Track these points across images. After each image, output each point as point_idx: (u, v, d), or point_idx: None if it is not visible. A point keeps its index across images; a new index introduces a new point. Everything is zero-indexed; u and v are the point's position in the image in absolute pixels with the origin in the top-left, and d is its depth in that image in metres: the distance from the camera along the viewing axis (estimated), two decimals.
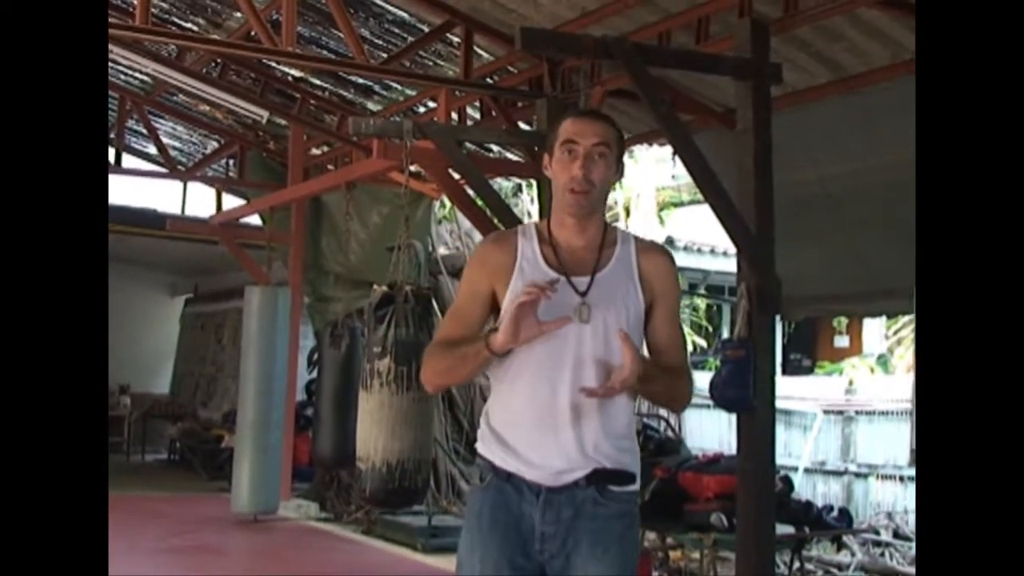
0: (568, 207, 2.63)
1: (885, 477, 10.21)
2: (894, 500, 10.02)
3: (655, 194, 15.07)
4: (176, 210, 12.42)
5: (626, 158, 2.74)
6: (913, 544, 9.27)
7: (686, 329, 14.27)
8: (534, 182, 8.85)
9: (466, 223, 11.29)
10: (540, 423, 2.56)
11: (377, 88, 9.47)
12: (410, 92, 9.18)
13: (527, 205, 12.96)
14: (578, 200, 2.60)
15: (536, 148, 7.35)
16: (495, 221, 6.90)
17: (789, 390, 10.82)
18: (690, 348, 14.38)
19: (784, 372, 14.01)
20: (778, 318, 6.87)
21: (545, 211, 7.05)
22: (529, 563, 2.58)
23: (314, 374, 10.17)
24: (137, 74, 10.63)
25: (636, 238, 2.75)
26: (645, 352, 2.66)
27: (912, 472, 9.69)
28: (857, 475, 10.49)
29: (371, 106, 9.74)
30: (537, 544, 2.56)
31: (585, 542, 2.55)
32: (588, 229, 2.65)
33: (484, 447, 2.66)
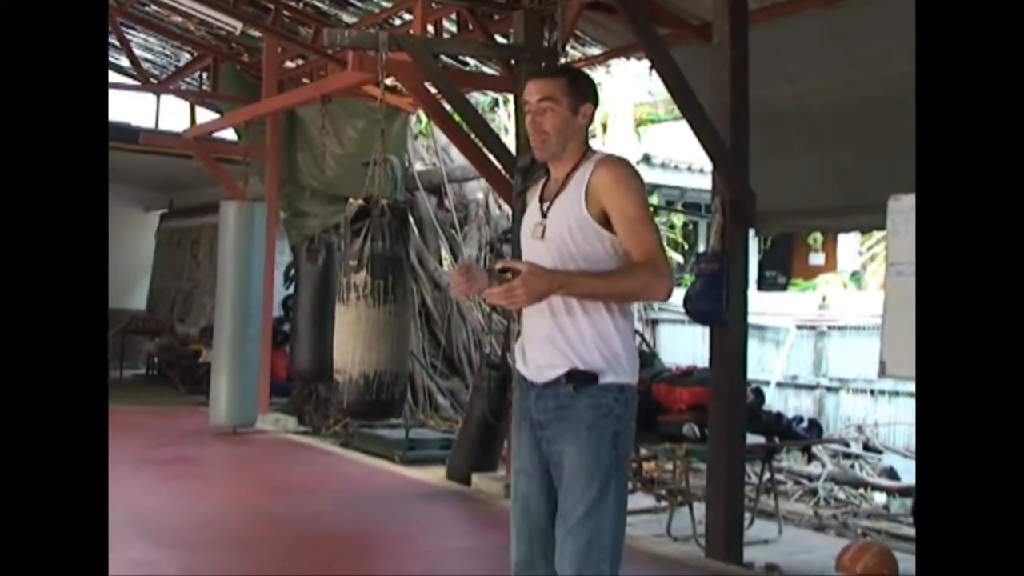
0: (535, 152, 3.10)
1: (856, 391, 10.38)
2: (864, 413, 10.20)
3: (632, 110, 15.02)
4: (149, 124, 12.29)
5: (597, 83, 3.14)
6: (882, 456, 9.47)
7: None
8: (511, 96, 8.80)
9: (443, 138, 11.24)
10: (529, 331, 3.07)
11: (353, 0, 9.35)
12: (386, 4, 9.06)
13: (504, 120, 12.90)
14: (538, 148, 3.06)
15: (513, 61, 7.30)
16: (472, 136, 6.88)
17: (763, 306, 10.95)
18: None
19: (760, 288, 14.15)
20: (752, 233, 6.92)
21: (522, 126, 7.04)
22: (539, 443, 3.06)
23: (291, 289, 10.20)
24: None
25: (602, 158, 3.05)
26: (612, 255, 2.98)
27: (882, 386, 9.85)
28: (829, 389, 10.67)
29: (346, 18, 9.62)
30: (538, 431, 3.04)
31: (563, 428, 2.97)
32: (563, 163, 3.07)
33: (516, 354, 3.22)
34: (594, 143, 12.13)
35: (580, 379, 2.97)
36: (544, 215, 3.06)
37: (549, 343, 3.00)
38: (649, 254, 2.94)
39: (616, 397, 2.97)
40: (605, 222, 2.95)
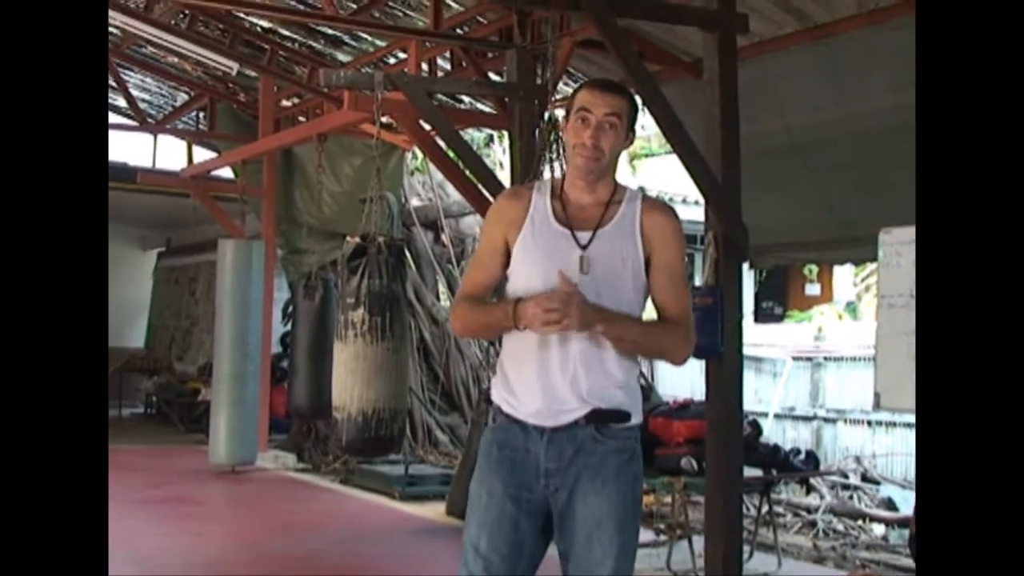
0: (577, 171, 2.84)
1: (853, 422, 10.39)
2: (862, 444, 10.21)
3: None
4: (147, 163, 12.37)
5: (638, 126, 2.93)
6: (880, 487, 9.47)
7: None
8: (505, 133, 8.88)
9: (438, 174, 11.30)
10: (540, 369, 2.77)
11: (347, 39, 9.44)
12: (380, 43, 9.16)
13: (499, 156, 12.97)
14: (587, 166, 2.81)
15: (506, 99, 7.38)
16: (466, 172, 6.94)
17: (760, 337, 10.98)
18: None
19: (756, 320, 14.15)
20: (747, 266, 6.97)
21: (517, 162, 7.10)
22: (533, 496, 2.79)
23: (289, 326, 10.23)
24: None
25: (645, 197, 2.92)
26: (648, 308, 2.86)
27: (879, 417, 9.88)
28: (826, 420, 10.68)
29: (341, 57, 9.72)
30: (542, 479, 2.77)
31: (585, 476, 2.76)
32: (597, 189, 2.85)
33: (495, 391, 2.88)
34: None
35: (604, 420, 2.78)
36: (584, 246, 2.80)
37: (565, 381, 2.76)
38: (685, 316, 2.84)
39: (636, 438, 2.85)
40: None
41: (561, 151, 6.27)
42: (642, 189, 3.08)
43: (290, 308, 10.16)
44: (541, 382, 2.77)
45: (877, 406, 5.27)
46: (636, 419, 2.84)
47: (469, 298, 2.93)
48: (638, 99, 3.30)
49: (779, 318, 15.73)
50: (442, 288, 11.87)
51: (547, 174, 6.11)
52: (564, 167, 6.26)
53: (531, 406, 2.79)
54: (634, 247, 2.81)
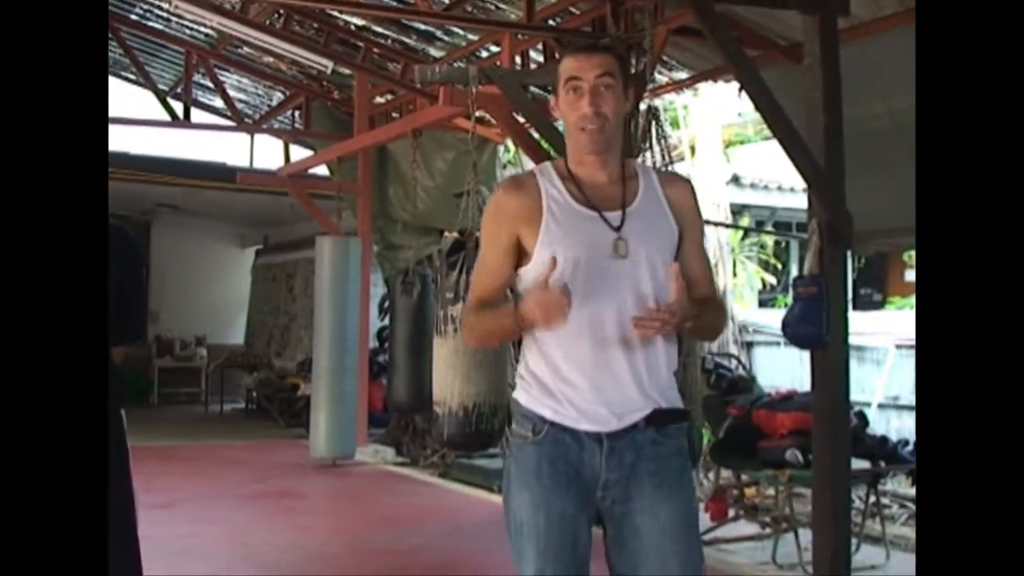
0: (584, 146, 2.58)
1: None
2: None
3: (720, 131, 14.92)
4: (244, 162, 12.57)
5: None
6: None
7: (754, 267, 14.21)
8: None
9: (531, 166, 11.29)
10: (593, 366, 2.50)
11: (439, 34, 9.47)
12: (472, 37, 9.16)
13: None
14: (593, 137, 2.56)
15: None
16: None
17: (861, 326, 10.74)
18: (759, 285, 14.30)
19: (855, 307, 13.90)
20: (849, 253, 6.83)
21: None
22: (592, 513, 2.55)
23: (385, 321, 10.31)
24: (202, 28, 10.73)
25: (655, 169, 2.77)
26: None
27: None
28: None
29: (434, 52, 9.75)
30: (599, 492, 2.52)
31: (648, 483, 2.52)
32: (608, 163, 2.61)
33: (530, 398, 2.58)
34: (682, 167, 12.10)
35: (665, 421, 2.56)
36: (617, 228, 2.54)
37: (630, 378, 2.51)
38: (716, 289, 2.70)
39: (685, 435, 2.65)
40: None
41: (663, 138, 6.20)
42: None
43: (387, 303, 10.23)
44: (601, 381, 2.50)
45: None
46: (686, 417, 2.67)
47: (478, 305, 2.65)
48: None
49: (879, 305, 15.46)
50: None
51: (649, 162, 6.04)
52: (665, 155, 6.23)
53: (588, 410, 2.51)
54: (668, 224, 2.60)
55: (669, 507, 2.52)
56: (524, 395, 2.60)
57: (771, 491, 7.29)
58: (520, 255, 2.60)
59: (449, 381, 5.74)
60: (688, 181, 2.74)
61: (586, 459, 2.51)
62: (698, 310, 2.52)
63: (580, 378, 2.51)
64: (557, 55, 8.10)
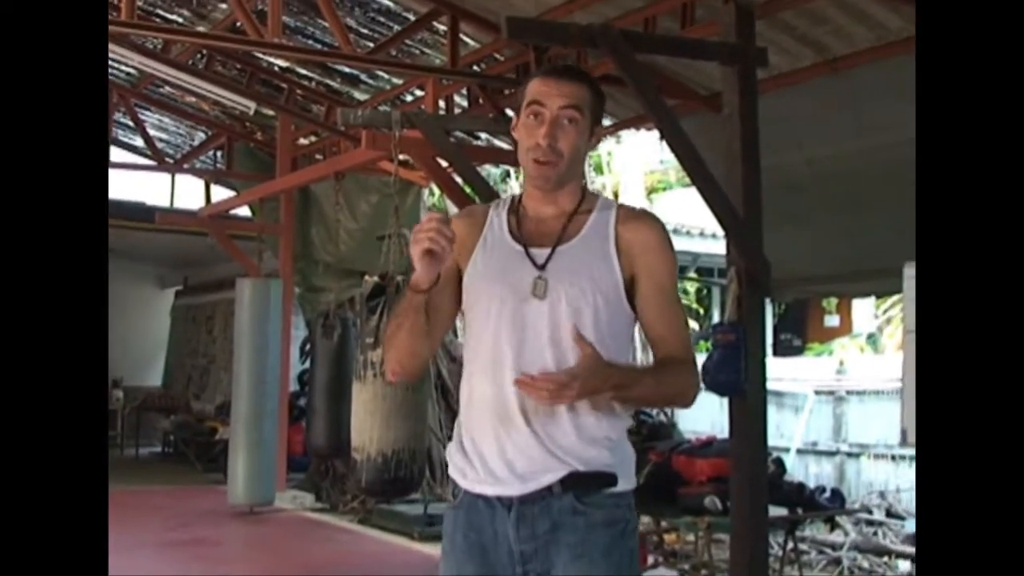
0: (533, 178, 2.31)
1: (877, 456, 10.27)
2: (886, 479, 10.08)
3: (643, 178, 15.09)
4: (165, 202, 12.40)
5: (605, 121, 2.48)
6: (905, 522, 9.34)
7: None
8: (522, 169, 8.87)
9: (456, 211, 11.29)
10: (496, 421, 2.23)
11: (364, 77, 9.46)
12: (397, 81, 9.17)
13: (516, 191, 12.95)
14: (542, 171, 2.28)
15: None
16: None
17: (780, 371, 10.88)
18: None
19: (775, 353, 14.07)
20: (768, 300, 6.91)
21: None
22: None
23: (307, 364, 10.19)
24: (123, 67, 10.59)
25: (620, 206, 2.39)
26: (638, 337, 2.49)
27: (903, 452, 9.76)
28: (849, 455, 10.56)
29: (358, 95, 9.73)
30: (519, 567, 2.23)
31: (567, 555, 2.20)
32: (559, 199, 2.33)
33: (450, 462, 2.35)
34: None
35: (585, 486, 2.22)
36: (541, 266, 2.26)
37: (531, 434, 2.20)
38: (688, 350, 2.33)
39: (630, 506, 2.30)
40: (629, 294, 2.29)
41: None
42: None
43: (308, 346, 10.13)
44: (499, 437, 2.21)
45: (904, 442, 5.19)
46: (627, 484, 2.28)
47: None
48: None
49: (799, 351, 15.66)
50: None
51: None
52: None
53: (491, 472, 2.22)
54: (606, 265, 2.26)
55: None
56: (448, 455, 2.37)
57: (691, 537, 7.30)
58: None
59: (368, 427, 5.67)
60: (654, 220, 2.40)
61: (499, 528, 2.23)
62: (630, 377, 2.22)
63: (483, 430, 2.25)
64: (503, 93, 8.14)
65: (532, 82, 2.34)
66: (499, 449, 2.22)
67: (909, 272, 5.17)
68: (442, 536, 2.38)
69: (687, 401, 2.36)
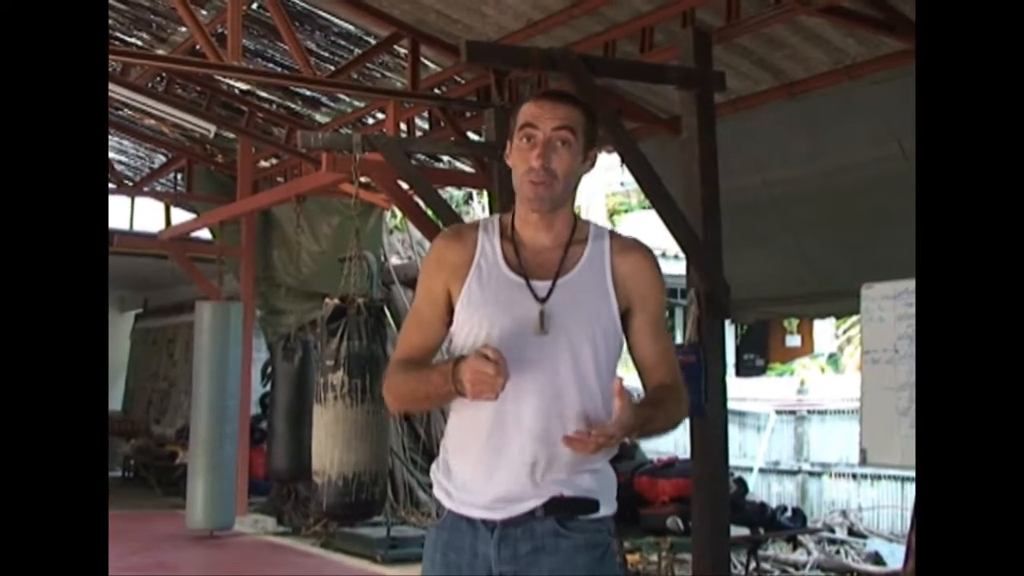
0: (528, 201, 2.30)
1: (838, 475, 10.33)
2: (848, 498, 10.15)
3: (605, 200, 15.16)
4: (124, 225, 12.30)
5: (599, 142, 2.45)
6: (867, 541, 9.40)
7: None
8: (485, 192, 8.88)
9: (418, 233, 11.29)
10: (487, 447, 2.25)
11: (325, 100, 9.45)
12: (358, 104, 9.17)
13: (478, 214, 12.99)
14: (537, 193, 2.27)
15: (485, 159, 7.37)
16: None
17: (742, 391, 10.94)
18: None
19: (738, 373, 14.15)
20: (728, 321, 6.96)
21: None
22: None
23: (268, 387, 10.13)
24: None
25: (612, 234, 2.43)
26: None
27: (864, 471, 9.83)
28: (811, 474, 10.62)
29: (319, 118, 9.72)
30: None
31: None
32: (555, 225, 2.33)
33: (435, 476, 2.37)
34: None
35: (567, 510, 2.25)
36: (542, 299, 2.26)
37: (519, 461, 2.23)
38: (679, 376, 2.36)
39: (610, 531, 2.33)
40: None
41: None
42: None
43: (269, 369, 10.08)
44: (488, 462, 2.25)
45: (864, 462, 5.24)
46: (608, 509, 2.31)
47: (404, 363, 2.37)
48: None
49: (761, 371, 15.76)
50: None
51: None
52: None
53: (477, 495, 2.26)
54: (604, 302, 2.30)
55: None
56: (433, 476, 2.39)
57: (654, 557, 7.31)
58: (453, 312, 2.36)
59: (329, 450, 5.65)
60: (647, 251, 2.43)
61: (480, 550, 2.26)
62: (649, 414, 2.24)
63: (474, 459, 2.28)
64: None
65: (524, 106, 2.35)
66: (487, 474, 2.26)
67: (866, 293, 5.22)
68: (425, 546, 2.41)
69: (679, 424, 2.39)
